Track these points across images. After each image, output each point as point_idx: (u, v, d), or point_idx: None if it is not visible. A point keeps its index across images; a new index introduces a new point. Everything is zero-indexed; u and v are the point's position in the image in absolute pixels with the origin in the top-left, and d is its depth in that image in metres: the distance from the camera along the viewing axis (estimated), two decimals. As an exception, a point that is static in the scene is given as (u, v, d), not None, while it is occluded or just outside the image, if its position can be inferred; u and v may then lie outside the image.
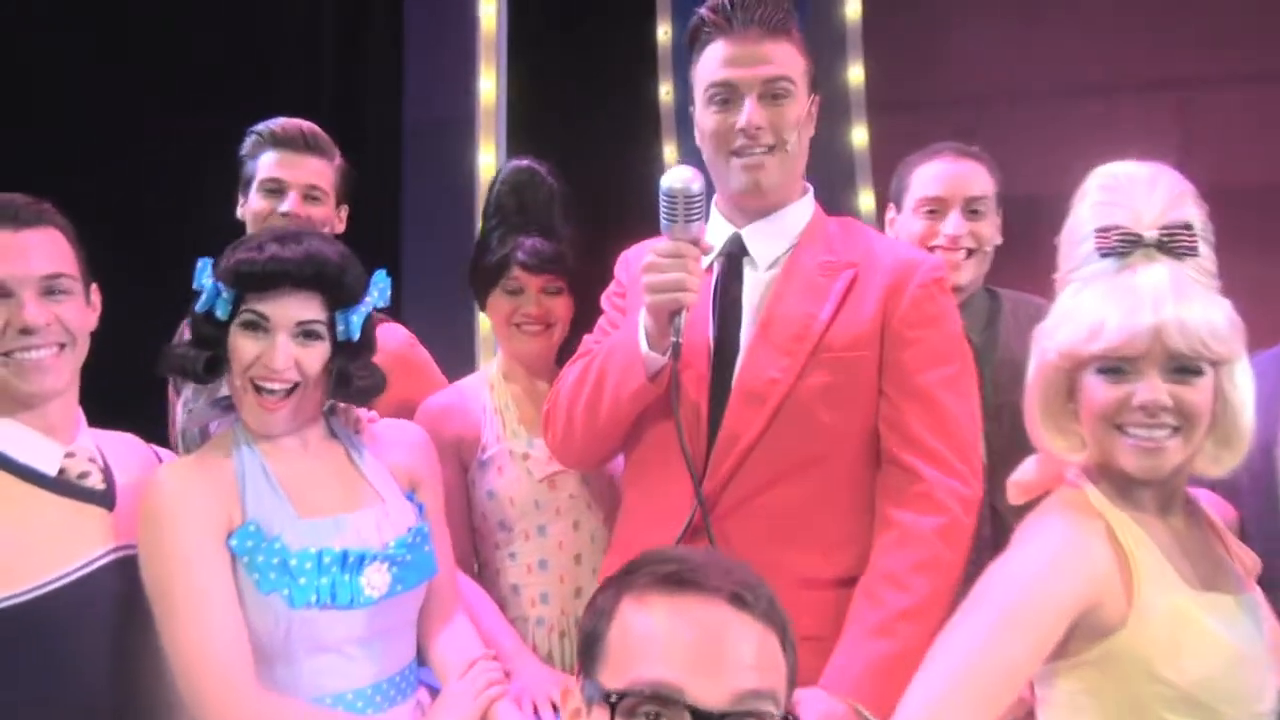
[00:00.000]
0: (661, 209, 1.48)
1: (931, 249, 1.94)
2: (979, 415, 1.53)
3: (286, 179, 1.95)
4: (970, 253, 1.97)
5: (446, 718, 1.43)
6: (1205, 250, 1.33)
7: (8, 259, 1.33)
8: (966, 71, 5.21)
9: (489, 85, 4.11)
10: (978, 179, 2.02)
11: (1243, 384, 1.29)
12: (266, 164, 1.97)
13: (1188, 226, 1.31)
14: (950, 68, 5.18)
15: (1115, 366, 1.25)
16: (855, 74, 4.94)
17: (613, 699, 0.91)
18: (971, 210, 1.99)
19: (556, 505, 1.82)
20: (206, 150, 2.28)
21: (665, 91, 5.08)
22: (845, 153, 5.00)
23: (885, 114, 5.08)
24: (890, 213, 2.08)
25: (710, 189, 1.53)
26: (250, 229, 1.95)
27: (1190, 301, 1.25)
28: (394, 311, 3.77)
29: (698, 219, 1.48)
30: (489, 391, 1.91)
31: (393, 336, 2.01)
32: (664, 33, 5.09)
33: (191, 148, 2.62)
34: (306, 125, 2.00)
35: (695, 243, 1.49)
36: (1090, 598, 1.22)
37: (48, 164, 2.37)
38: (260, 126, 2.01)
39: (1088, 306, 1.28)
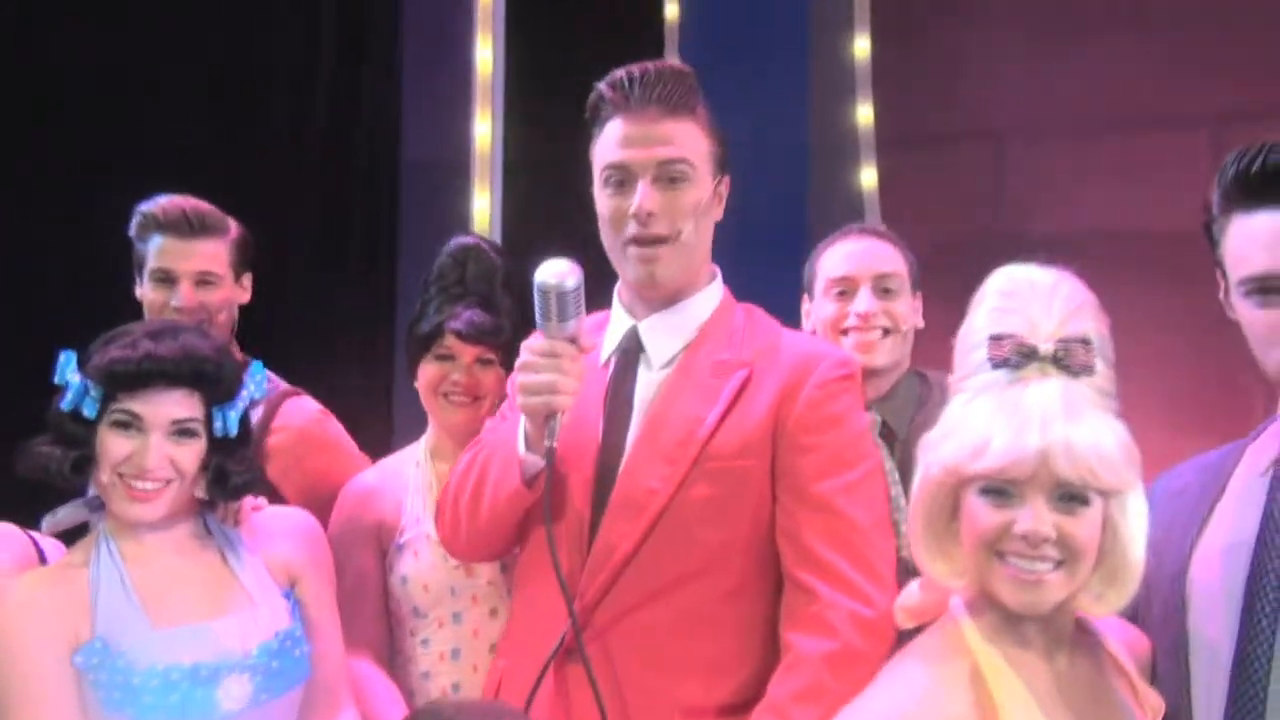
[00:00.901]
0: (536, 305, 1.42)
1: (845, 331, 1.87)
2: (888, 523, 1.43)
3: (175, 269, 1.94)
4: (886, 332, 1.90)
5: None
6: (1103, 368, 1.24)
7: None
8: (982, 107, 5.11)
9: (484, 129, 4.11)
10: (886, 256, 1.95)
11: (1135, 516, 1.20)
12: (155, 251, 1.95)
13: (1085, 341, 1.22)
14: (966, 103, 5.09)
15: (999, 489, 1.17)
16: (864, 114, 4.86)
17: None
18: (883, 289, 1.92)
19: (473, 592, 1.76)
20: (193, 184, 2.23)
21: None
22: (854, 194, 4.93)
23: (896, 151, 5.00)
24: (804, 304, 2.01)
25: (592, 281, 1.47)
26: (147, 315, 1.93)
27: (1081, 424, 1.16)
28: (389, 354, 3.75)
29: (573, 316, 1.41)
30: (414, 469, 1.87)
31: (300, 412, 1.98)
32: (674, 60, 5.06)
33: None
34: (190, 205, 1.97)
35: (573, 340, 1.42)
36: None
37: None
38: (145, 206, 1.98)
39: (974, 421, 1.19)
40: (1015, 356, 1.20)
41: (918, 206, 4.74)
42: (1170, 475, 1.37)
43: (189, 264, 1.96)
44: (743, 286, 2.03)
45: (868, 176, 4.82)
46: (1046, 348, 1.21)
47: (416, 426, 2.02)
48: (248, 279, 2.05)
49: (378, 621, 1.79)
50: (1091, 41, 5.01)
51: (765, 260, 2.84)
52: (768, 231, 3.37)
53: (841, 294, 1.92)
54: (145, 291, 2.00)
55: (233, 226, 2.02)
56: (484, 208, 4.08)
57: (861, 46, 4.88)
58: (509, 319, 1.84)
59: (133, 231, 2.02)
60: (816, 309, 1.96)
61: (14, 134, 3.01)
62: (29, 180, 2.99)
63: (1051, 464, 1.15)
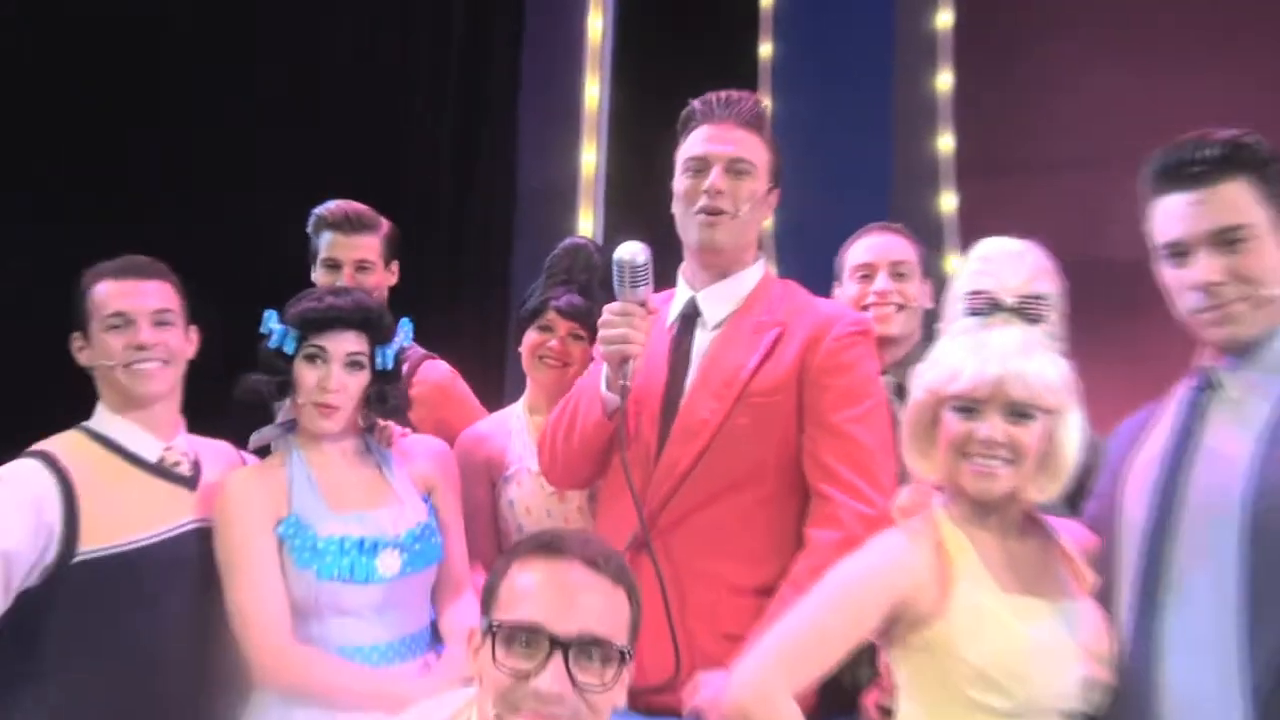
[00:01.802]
0: (614, 276, 1.79)
1: (866, 308, 2.19)
2: (890, 445, 1.74)
3: (340, 258, 2.38)
4: (900, 308, 2.21)
5: (444, 675, 1.76)
6: (1054, 318, 1.55)
7: (131, 297, 1.78)
8: (1064, 137, 5.27)
9: (590, 157, 4.54)
10: (900, 247, 2.28)
11: (1070, 430, 1.50)
12: (325, 244, 2.39)
13: (1040, 298, 1.54)
14: (1048, 133, 5.26)
15: (967, 406, 1.49)
16: (945, 142, 5.12)
17: (495, 629, 1.23)
18: (897, 273, 2.24)
19: (565, 514, 2.12)
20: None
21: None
22: (934, 219, 5.17)
23: (979, 179, 5.21)
24: (835, 289, 2.34)
25: (656, 260, 1.84)
26: None
27: (1031, 359, 1.48)
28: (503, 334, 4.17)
29: (643, 284, 1.76)
30: (516, 420, 2.26)
31: (435, 370, 2.39)
32: (767, 101, 5.41)
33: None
34: (352, 208, 2.42)
35: (642, 304, 1.78)
36: (906, 592, 1.46)
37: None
38: (319, 210, 2.43)
39: (951, 356, 1.52)
40: (986, 308, 1.53)
41: (998, 233, 4.96)
42: (1129, 420, 1.65)
43: (350, 253, 2.38)
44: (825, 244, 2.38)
45: (948, 202, 5.07)
46: (1011, 301, 1.53)
47: (519, 391, 2.43)
48: (395, 266, 2.49)
49: (489, 539, 2.18)
50: (1173, 69, 5.14)
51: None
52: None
53: (864, 277, 2.25)
54: (318, 276, 2.42)
55: (384, 224, 2.47)
56: (588, 228, 4.51)
57: (944, 80, 5.15)
58: (600, 305, 2.22)
59: (310, 227, 2.45)
60: (844, 290, 2.28)
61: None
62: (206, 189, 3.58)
63: (1006, 388, 1.47)
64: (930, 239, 5.14)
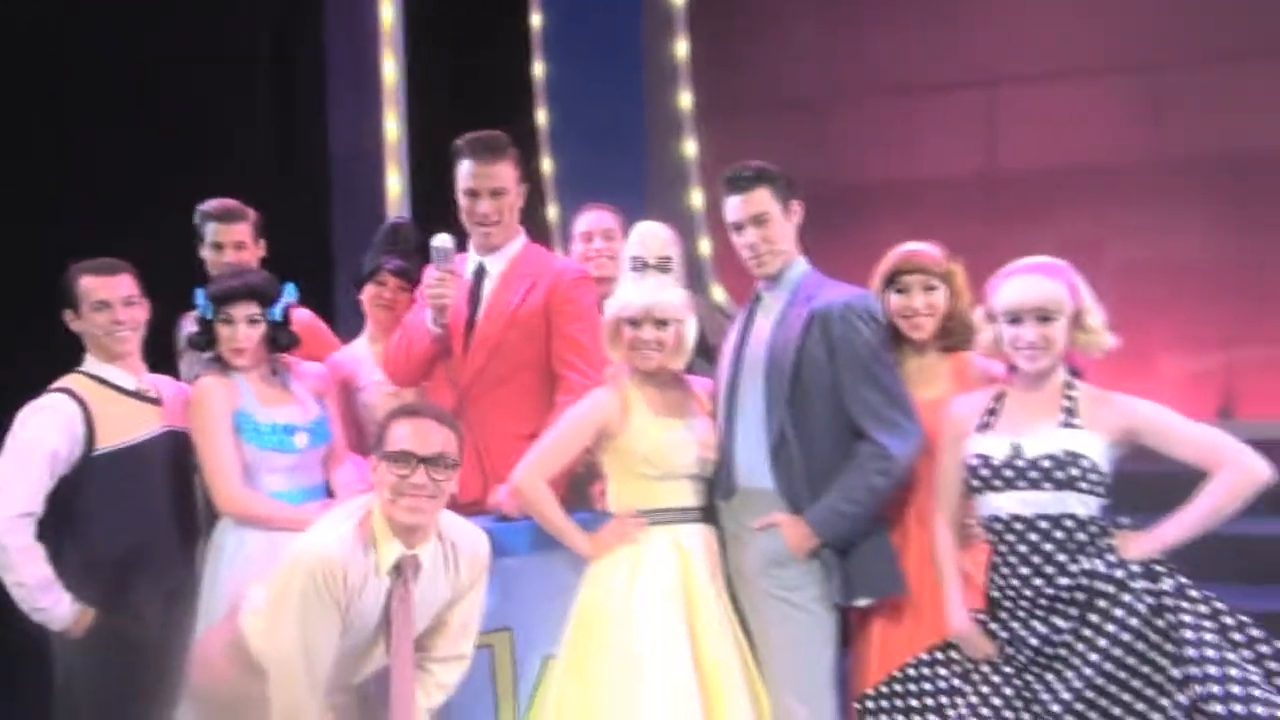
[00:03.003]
0: (432, 255, 2.66)
1: (590, 260, 3.21)
2: (599, 344, 2.59)
3: (222, 240, 3.14)
4: (611, 259, 3.15)
5: (338, 506, 2.67)
6: (677, 270, 2.59)
7: (109, 288, 2.54)
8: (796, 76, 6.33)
9: (393, 125, 5.37)
10: (608, 219, 3.28)
11: (689, 329, 2.57)
12: (209, 231, 3.15)
13: (668, 258, 2.59)
14: (780, 74, 6.32)
15: (633, 321, 2.41)
16: (684, 99, 6.19)
17: (388, 455, 2.13)
18: (608, 237, 3.23)
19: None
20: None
21: (540, 117, 6.29)
22: (680, 163, 6.25)
23: (717, 125, 6.25)
24: (571, 245, 3.35)
25: (461, 243, 2.82)
26: (209, 268, 3.12)
27: (665, 292, 2.44)
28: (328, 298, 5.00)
29: (452, 260, 2.66)
30: (361, 349, 3.23)
31: (300, 318, 3.30)
32: (538, 68, 6.32)
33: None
34: (231, 203, 3.19)
35: (451, 272, 2.68)
36: (605, 418, 2.44)
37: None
38: (202, 207, 3.17)
39: (624, 294, 2.46)
40: (637, 262, 2.61)
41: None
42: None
43: (230, 236, 3.09)
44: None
45: (689, 147, 6.16)
46: (653, 261, 2.61)
47: (346, 324, 3.43)
48: (262, 244, 3.30)
49: (351, 430, 3.14)
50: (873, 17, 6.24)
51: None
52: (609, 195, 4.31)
53: (586, 240, 3.27)
54: (207, 254, 3.11)
55: (252, 213, 3.28)
56: (395, 185, 5.35)
57: (681, 47, 6.20)
58: (416, 267, 3.22)
59: (197, 220, 3.17)
60: (575, 248, 3.31)
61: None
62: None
63: (653, 309, 2.47)
64: (680, 179, 6.25)
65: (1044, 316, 2.12)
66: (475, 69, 5.84)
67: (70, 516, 2.47)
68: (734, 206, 2.48)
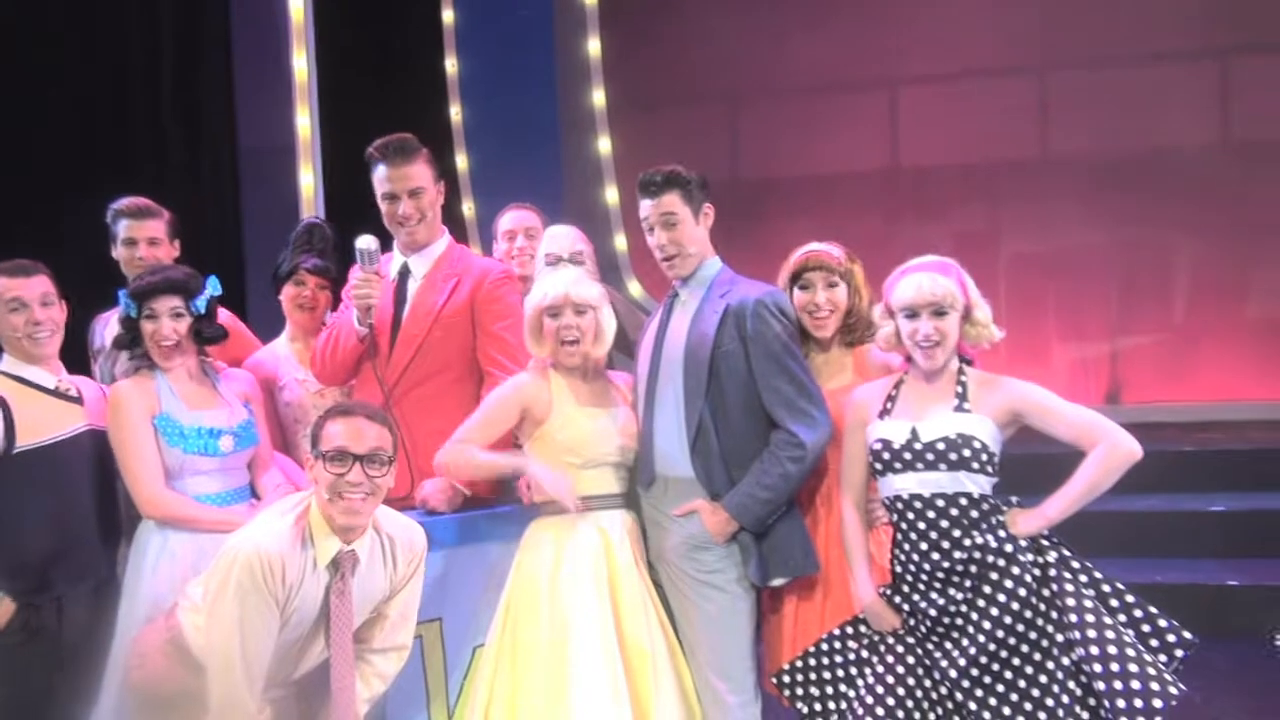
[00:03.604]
0: (357, 256, 2.70)
1: (513, 257, 3.27)
2: (521, 340, 2.65)
3: (136, 236, 3.14)
4: (531, 258, 3.20)
5: (265, 508, 2.71)
6: (589, 264, 2.73)
7: (25, 289, 2.51)
8: (700, 79, 6.44)
9: (305, 120, 5.32)
10: (531, 218, 3.31)
11: (608, 319, 2.67)
12: (122, 228, 3.13)
13: (580, 252, 2.71)
14: (688, 78, 6.43)
15: (552, 312, 2.57)
16: (598, 97, 6.30)
17: (325, 454, 2.17)
18: (529, 235, 3.24)
19: (324, 408, 3.15)
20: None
21: (455, 113, 6.31)
22: (594, 159, 6.36)
23: (628, 122, 6.36)
24: (494, 244, 3.38)
25: (385, 244, 2.87)
26: (124, 267, 3.12)
27: (581, 283, 2.53)
28: (240, 297, 4.95)
29: (376, 261, 2.71)
30: (282, 349, 3.24)
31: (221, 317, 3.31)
32: (451, 64, 6.34)
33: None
34: (142, 201, 3.18)
35: (376, 274, 2.72)
36: (527, 403, 2.51)
37: None
38: (115, 205, 3.16)
39: (541, 287, 2.56)
40: (550, 261, 2.70)
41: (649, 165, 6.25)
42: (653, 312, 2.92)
43: (143, 232, 3.08)
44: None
45: (604, 144, 6.27)
46: (566, 256, 2.70)
47: (259, 320, 3.42)
48: (177, 244, 3.27)
49: (275, 430, 3.15)
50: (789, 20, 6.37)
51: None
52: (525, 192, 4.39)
53: (510, 238, 3.27)
54: (119, 252, 3.11)
55: (166, 213, 3.26)
56: (309, 183, 5.31)
57: (594, 44, 6.29)
58: (334, 263, 3.25)
59: (109, 218, 3.14)
60: (499, 247, 3.32)
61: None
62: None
63: (572, 298, 2.52)
64: (595, 176, 6.35)
65: (938, 311, 2.27)
66: (387, 64, 5.84)
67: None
68: (645, 209, 2.58)
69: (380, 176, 2.79)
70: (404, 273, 2.89)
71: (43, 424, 2.52)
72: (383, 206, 2.83)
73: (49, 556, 2.48)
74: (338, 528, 2.23)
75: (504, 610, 2.50)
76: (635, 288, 6.12)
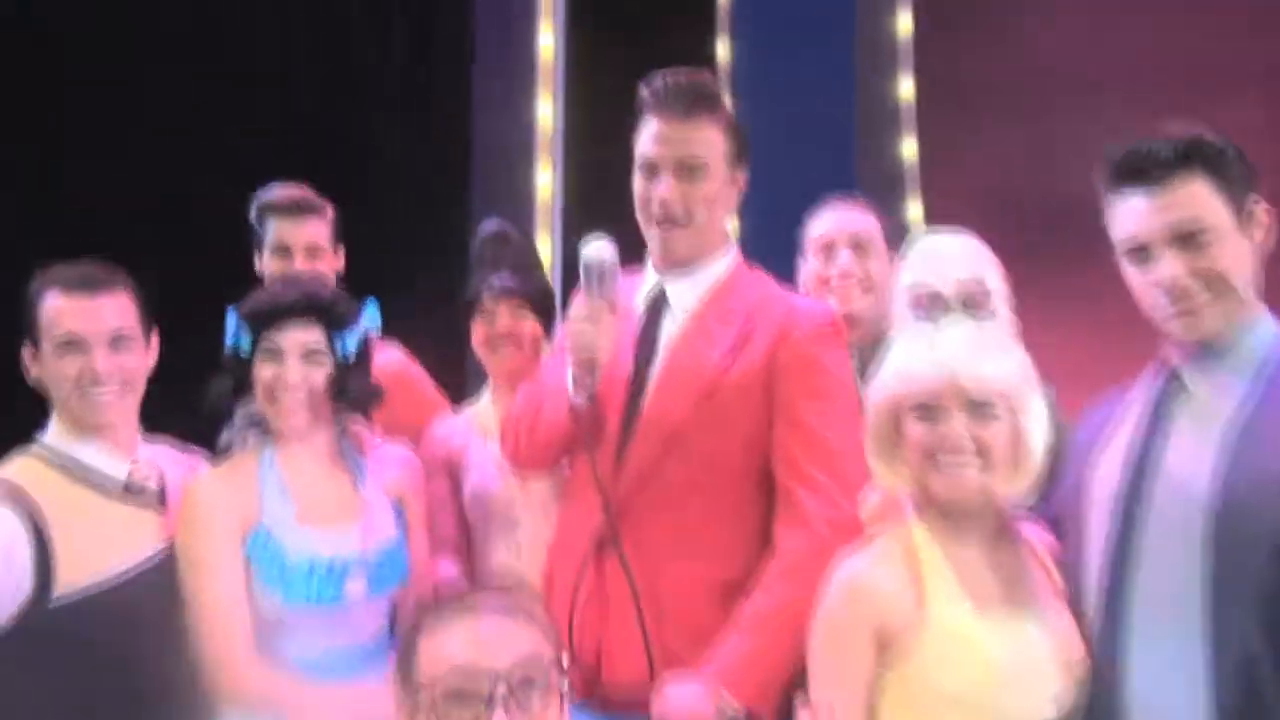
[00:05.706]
0: (581, 276, 1.71)
1: (828, 282, 2.11)
2: (860, 443, 1.70)
3: (291, 243, 2.27)
4: (865, 289, 2.10)
5: None
6: (1001, 307, 1.50)
7: (85, 317, 1.62)
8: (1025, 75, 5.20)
9: (546, 110, 4.43)
10: (859, 220, 2.18)
11: (1035, 422, 1.46)
12: (272, 229, 2.28)
13: (980, 281, 1.49)
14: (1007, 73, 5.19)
15: (926, 409, 1.43)
16: (905, 88, 5.07)
17: (420, 687, 1.14)
18: (859, 247, 2.13)
19: (527, 502, 2.06)
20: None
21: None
22: (894, 165, 5.13)
23: (940, 123, 5.13)
24: (800, 261, 2.23)
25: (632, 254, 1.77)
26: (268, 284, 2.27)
27: (986, 353, 1.41)
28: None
29: (610, 285, 1.70)
30: (482, 417, 2.22)
31: (383, 358, 2.30)
32: (723, 49, 5.31)
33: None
34: (299, 192, 2.31)
35: (610, 305, 1.71)
36: (883, 618, 1.41)
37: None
38: (263, 196, 2.31)
39: (902, 359, 1.47)
40: (928, 302, 1.47)
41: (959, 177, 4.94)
42: (1095, 405, 1.63)
43: (301, 237, 2.25)
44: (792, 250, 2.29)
45: (908, 147, 5.03)
46: (951, 292, 1.47)
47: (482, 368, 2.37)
48: (340, 250, 2.39)
49: (457, 529, 2.14)
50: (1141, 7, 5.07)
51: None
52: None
53: (826, 252, 2.14)
54: (266, 264, 2.28)
55: (329, 206, 2.37)
56: (546, 183, 4.41)
57: (905, 23, 5.08)
58: (535, 276, 2.20)
59: (252, 216, 2.30)
60: (807, 266, 2.17)
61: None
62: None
63: (963, 385, 1.41)
64: (894, 185, 5.11)
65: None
66: (649, 50, 4.90)
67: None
68: (1138, 215, 1.33)
69: (646, 135, 1.77)
70: (656, 303, 1.81)
71: (97, 551, 1.60)
72: (636, 186, 1.75)
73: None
74: None
75: None
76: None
